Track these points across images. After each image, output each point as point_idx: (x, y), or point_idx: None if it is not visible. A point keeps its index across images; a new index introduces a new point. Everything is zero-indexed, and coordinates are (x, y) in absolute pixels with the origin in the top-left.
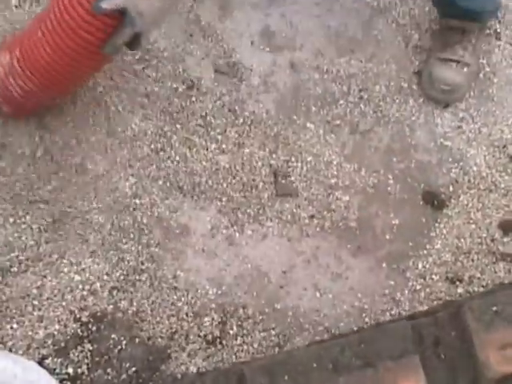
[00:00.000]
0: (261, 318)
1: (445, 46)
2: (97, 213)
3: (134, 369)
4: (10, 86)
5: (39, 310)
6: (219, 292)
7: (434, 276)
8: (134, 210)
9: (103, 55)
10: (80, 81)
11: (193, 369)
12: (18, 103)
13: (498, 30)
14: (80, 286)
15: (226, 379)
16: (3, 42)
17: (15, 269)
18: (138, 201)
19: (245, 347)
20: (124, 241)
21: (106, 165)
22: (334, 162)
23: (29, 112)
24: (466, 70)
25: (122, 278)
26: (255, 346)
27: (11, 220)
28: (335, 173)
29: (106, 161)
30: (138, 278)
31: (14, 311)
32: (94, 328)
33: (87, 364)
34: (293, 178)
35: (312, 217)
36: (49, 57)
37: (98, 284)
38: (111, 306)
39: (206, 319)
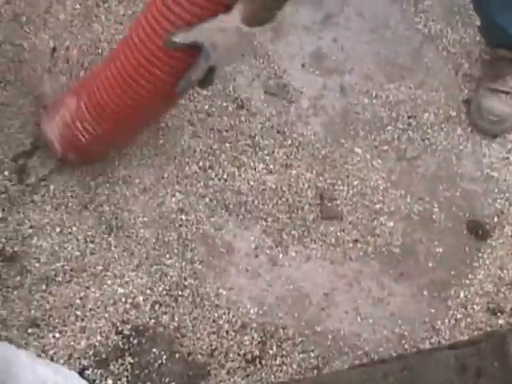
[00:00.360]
0: (300, 339)
1: (495, 76)
2: (142, 227)
3: None
4: (77, 132)
5: (82, 320)
6: (260, 312)
7: (475, 306)
8: (180, 225)
9: (175, 94)
10: (148, 123)
11: None
12: (85, 150)
13: None
14: (123, 299)
15: None
16: (69, 87)
17: (59, 278)
18: (183, 217)
19: (284, 368)
20: (168, 256)
21: (153, 180)
22: (380, 188)
23: (95, 159)
24: None
25: (164, 292)
26: (294, 367)
27: (58, 230)
28: (381, 198)
29: (154, 176)
30: (180, 293)
31: (56, 320)
32: (136, 341)
33: (127, 377)
34: (338, 202)
35: (356, 241)
36: (119, 98)
37: (141, 298)
38: (153, 321)
39: (246, 338)
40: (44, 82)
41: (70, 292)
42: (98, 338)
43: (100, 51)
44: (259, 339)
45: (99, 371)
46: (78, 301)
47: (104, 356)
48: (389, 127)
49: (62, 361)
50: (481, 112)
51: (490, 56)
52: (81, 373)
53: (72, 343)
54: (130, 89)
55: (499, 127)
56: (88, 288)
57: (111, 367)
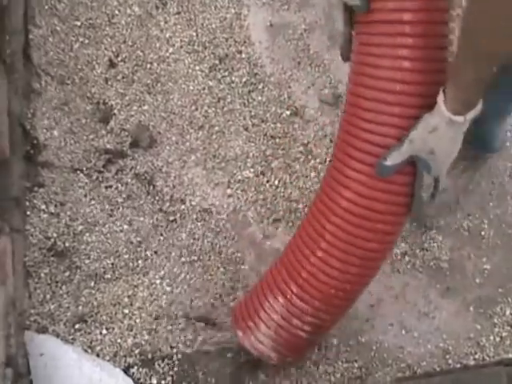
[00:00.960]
0: (345, 349)
1: None
2: (194, 227)
3: None
4: (297, 330)
5: (129, 318)
6: None
7: None
8: (229, 227)
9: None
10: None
11: None
12: (304, 345)
13: None
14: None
15: None
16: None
17: (108, 276)
18: (233, 222)
19: (327, 376)
20: (213, 257)
21: (204, 183)
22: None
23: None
24: None
25: (217, 295)
26: (337, 376)
27: (109, 227)
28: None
29: (205, 179)
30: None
31: (104, 317)
32: None
33: (172, 376)
34: None
35: (404, 254)
36: (340, 270)
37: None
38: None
39: None
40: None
41: (119, 290)
42: (146, 337)
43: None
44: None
45: (144, 370)
46: (126, 299)
47: (150, 355)
48: None
49: (107, 357)
50: None
51: None
52: (126, 370)
53: (118, 340)
54: (352, 253)
55: None
56: (136, 287)
57: (156, 366)
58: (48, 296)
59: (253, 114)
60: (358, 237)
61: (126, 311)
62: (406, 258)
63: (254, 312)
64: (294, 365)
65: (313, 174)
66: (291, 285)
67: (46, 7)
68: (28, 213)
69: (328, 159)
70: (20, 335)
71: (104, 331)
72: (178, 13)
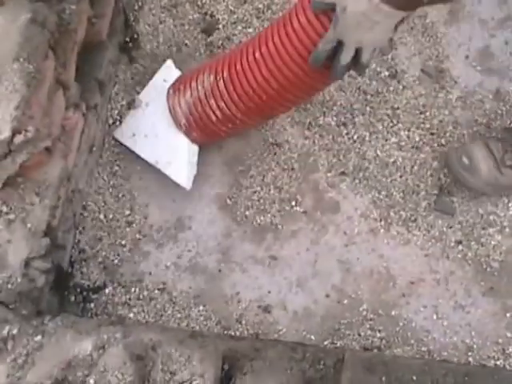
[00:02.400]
0: (372, 316)
1: None
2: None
3: None
4: (210, 110)
5: None
6: (345, 278)
7: None
8: (295, 170)
9: (320, 77)
10: (285, 109)
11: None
12: (211, 130)
13: None
14: None
15: (325, 356)
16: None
17: None
18: (302, 164)
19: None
20: (272, 192)
21: (284, 118)
22: (501, 201)
23: (216, 141)
24: None
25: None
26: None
27: None
28: (496, 211)
29: (286, 114)
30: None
31: None
32: None
33: None
34: (455, 199)
35: (459, 242)
36: (264, 78)
37: None
38: None
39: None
40: None
41: None
42: None
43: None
44: (334, 303)
45: None
46: None
47: None
48: None
49: None
50: None
51: None
52: None
53: None
54: (277, 68)
55: None
56: None
57: None
58: None
59: None
60: (289, 54)
61: None
62: (460, 247)
63: (189, 80)
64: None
65: (393, 140)
66: (225, 70)
67: None
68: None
69: (413, 129)
70: (68, 210)
71: None
72: None
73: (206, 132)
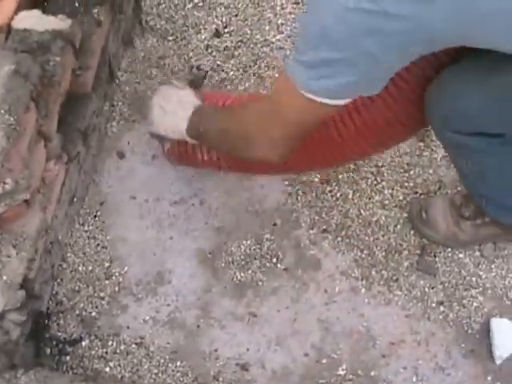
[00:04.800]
0: (351, 376)
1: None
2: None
3: None
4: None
5: None
6: (323, 338)
7: None
8: (278, 225)
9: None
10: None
11: None
12: (194, 162)
13: None
14: None
15: None
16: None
17: None
18: (284, 219)
19: None
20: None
21: (265, 177)
22: (483, 262)
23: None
24: None
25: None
26: None
27: None
28: (480, 273)
29: (269, 176)
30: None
31: None
32: None
33: None
34: (437, 259)
35: (440, 303)
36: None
37: None
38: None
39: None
40: None
41: None
42: None
43: None
44: (312, 362)
45: None
46: None
47: None
48: None
49: None
50: None
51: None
52: None
53: None
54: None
55: None
56: None
57: None
58: None
59: None
60: None
61: None
62: (441, 308)
63: None
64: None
65: (376, 198)
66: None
67: None
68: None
69: (397, 187)
70: (46, 262)
71: None
72: (297, 3)
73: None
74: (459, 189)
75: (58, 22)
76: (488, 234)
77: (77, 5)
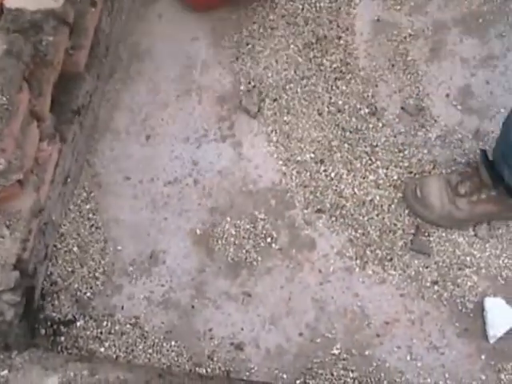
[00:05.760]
0: (345, 356)
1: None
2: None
3: None
4: None
5: None
6: (318, 317)
7: None
8: (272, 205)
9: None
10: None
11: None
12: None
13: None
14: None
15: None
16: None
17: None
18: (278, 200)
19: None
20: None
21: (260, 157)
22: (477, 242)
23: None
24: None
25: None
26: (329, 380)
27: None
28: (474, 252)
29: (266, 149)
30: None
31: None
32: None
33: None
34: (431, 239)
35: (435, 283)
36: None
37: None
38: None
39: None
40: None
41: None
42: None
43: None
44: (307, 341)
45: None
46: None
47: None
48: None
49: None
50: None
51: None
52: None
53: None
54: None
55: None
56: None
57: None
58: None
59: (332, 101)
60: None
61: None
62: (435, 288)
63: None
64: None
65: (371, 177)
66: None
67: None
68: None
69: (392, 167)
70: (40, 243)
71: None
72: None
73: None
74: (454, 168)
75: (50, 2)
76: (483, 211)
77: None
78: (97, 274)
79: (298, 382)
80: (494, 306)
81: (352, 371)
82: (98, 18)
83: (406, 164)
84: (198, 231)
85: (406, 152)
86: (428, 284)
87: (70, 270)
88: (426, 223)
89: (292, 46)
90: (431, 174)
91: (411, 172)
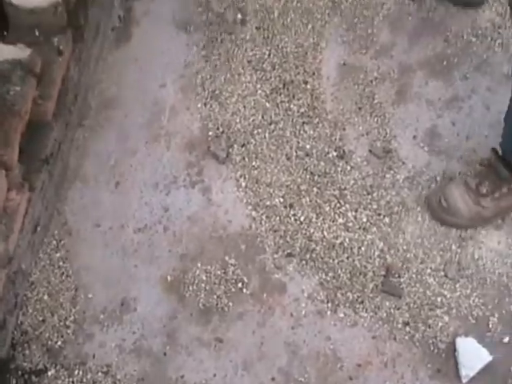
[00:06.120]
0: None
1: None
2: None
3: None
4: None
5: None
6: (291, 361)
7: None
8: (242, 250)
9: None
10: None
11: None
12: None
13: None
14: None
15: None
16: None
17: None
18: (249, 244)
19: None
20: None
21: (229, 202)
22: (448, 282)
23: None
24: None
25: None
26: None
27: None
28: (444, 292)
29: (235, 194)
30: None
31: None
32: None
33: None
34: (402, 280)
35: (406, 324)
36: None
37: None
38: None
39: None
40: None
41: None
42: None
43: None
44: None
45: None
46: None
47: None
48: None
49: None
50: None
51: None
52: None
53: None
54: None
55: None
56: None
57: None
58: None
59: (300, 145)
60: None
61: None
62: (407, 329)
63: None
64: None
65: (340, 221)
66: None
67: None
68: None
69: (360, 209)
70: (10, 292)
71: None
72: (258, 28)
73: None
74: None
75: (17, 52)
76: (509, 204)
77: (37, 34)
78: (68, 323)
79: None
80: (465, 345)
81: None
82: (65, 67)
83: (375, 206)
84: (169, 278)
85: (375, 194)
86: (399, 325)
87: (40, 318)
88: (395, 264)
89: (259, 92)
90: (450, 182)
91: (380, 214)
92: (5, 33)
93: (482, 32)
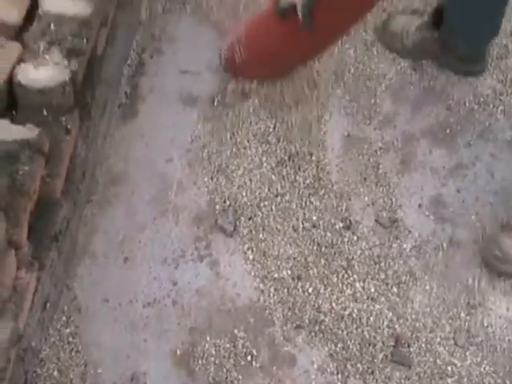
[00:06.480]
0: None
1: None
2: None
3: None
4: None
5: None
6: None
7: None
8: (250, 323)
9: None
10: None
11: None
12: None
13: None
14: None
15: None
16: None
17: None
18: (257, 317)
19: None
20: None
21: (237, 275)
22: (458, 351)
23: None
24: None
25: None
26: None
27: None
28: (454, 361)
29: (243, 267)
30: None
31: None
32: None
33: None
34: (412, 350)
35: None
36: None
37: None
38: None
39: None
40: None
41: None
42: None
43: None
44: None
45: None
46: None
47: None
48: None
49: None
50: None
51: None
52: None
53: None
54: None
55: None
56: None
57: None
58: None
59: (306, 217)
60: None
61: None
62: None
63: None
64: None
65: (348, 291)
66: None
67: None
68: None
69: (368, 280)
70: (19, 370)
71: None
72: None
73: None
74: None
75: (26, 132)
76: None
77: (45, 113)
78: None
79: None
80: None
81: None
82: (73, 145)
83: (383, 276)
84: (178, 351)
85: (382, 264)
86: None
87: None
88: (404, 334)
89: (265, 165)
90: (501, 232)
91: (387, 284)
92: (14, 112)
93: (483, 99)
